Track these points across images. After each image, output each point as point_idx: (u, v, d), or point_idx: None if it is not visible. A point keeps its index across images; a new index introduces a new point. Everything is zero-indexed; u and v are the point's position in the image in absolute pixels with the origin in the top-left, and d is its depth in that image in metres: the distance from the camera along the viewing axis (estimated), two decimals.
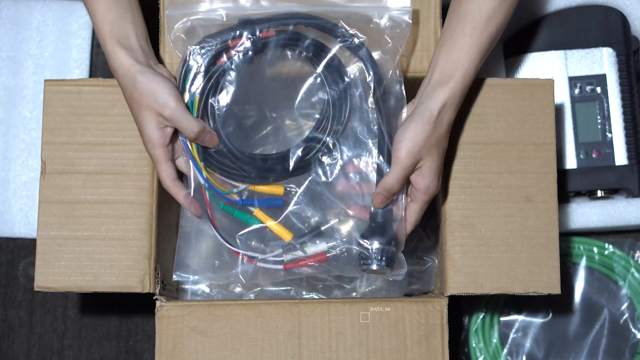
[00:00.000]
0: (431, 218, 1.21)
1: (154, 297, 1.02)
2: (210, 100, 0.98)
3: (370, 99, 0.99)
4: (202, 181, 0.98)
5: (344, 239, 0.98)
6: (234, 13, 0.99)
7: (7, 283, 1.36)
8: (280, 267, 0.99)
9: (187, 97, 0.97)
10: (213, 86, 0.98)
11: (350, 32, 0.98)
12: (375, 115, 0.98)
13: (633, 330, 1.31)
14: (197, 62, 0.98)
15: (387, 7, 1.00)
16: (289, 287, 1.26)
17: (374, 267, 0.95)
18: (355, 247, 0.98)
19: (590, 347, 1.31)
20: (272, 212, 1.00)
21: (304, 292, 1.26)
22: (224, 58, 0.98)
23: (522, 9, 1.33)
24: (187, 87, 0.97)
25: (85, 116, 1.04)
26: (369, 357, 1.01)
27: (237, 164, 0.98)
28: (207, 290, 1.27)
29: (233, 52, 0.98)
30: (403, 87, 1.00)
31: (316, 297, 1.25)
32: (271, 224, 0.99)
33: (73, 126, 1.04)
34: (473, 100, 1.05)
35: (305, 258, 0.98)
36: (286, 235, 0.98)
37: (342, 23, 0.99)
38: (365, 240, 0.97)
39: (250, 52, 0.98)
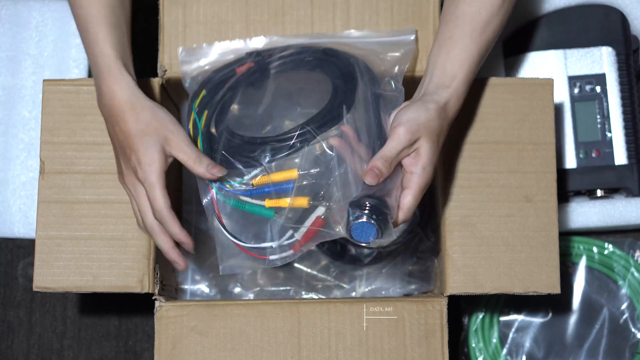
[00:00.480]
0: (431, 218, 1.21)
1: (153, 297, 1.02)
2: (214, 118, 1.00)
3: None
4: (213, 187, 0.97)
5: (336, 200, 0.93)
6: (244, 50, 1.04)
7: (6, 283, 1.36)
8: (290, 252, 0.95)
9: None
10: (219, 108, 1.00)
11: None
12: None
13: (633, 329, 1.31)
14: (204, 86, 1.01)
15: (392, 42, 1.03)
16: (288, 287, 1.26)
17: (364, 219, 0.88)
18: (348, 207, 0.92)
19: (590, 347, 1.31)
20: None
21: (303, 292, 1.26)
22: (230, 82, 1.01)
23: (522, 8, 1.32)
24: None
25: (84, 116, 1.04)
26: (369, 357, 1.01)
27: (249, 149, 0.96)
28: (207, 290, 1.27)
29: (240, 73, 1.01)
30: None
31: (316, 297, 1.25)
32: (286, 201, 0.95)
33: (72, 126, 1.04)
34: (473, 100, 1.05)
35: (306, 232, 0.93)
36: (304, 202, 0.94)
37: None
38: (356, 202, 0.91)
39: (256, 73, 1.01)
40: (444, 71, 0.95)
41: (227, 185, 0.96)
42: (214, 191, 0.96)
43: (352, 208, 0.89)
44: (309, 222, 0.93)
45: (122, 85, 0.93)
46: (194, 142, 0.96)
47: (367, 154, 0.93)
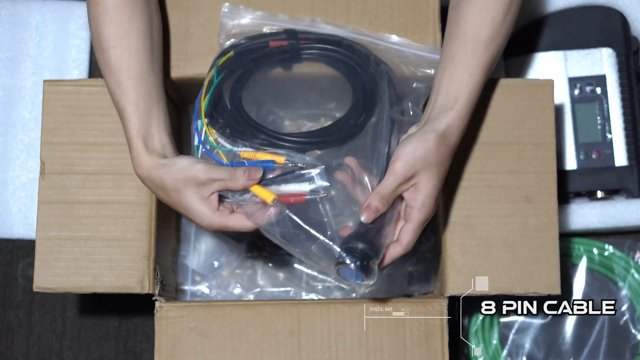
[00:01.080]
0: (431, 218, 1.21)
1: (153, 298, 1.02)
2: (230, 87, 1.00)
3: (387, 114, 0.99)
4: (197, 141, 0.97)
5: (325, 191, 0.93)
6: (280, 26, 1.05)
7: (5, 284, 1.36)
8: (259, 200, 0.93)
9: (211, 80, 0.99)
10: (239, 75, 1.00)
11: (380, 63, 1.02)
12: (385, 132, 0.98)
13: (633, 331, 1.31)
14: (235, 47, 1.02)
15: (428, 59, 1.04)
16: (288, 288, 1.26)
17: (352, 266, 0.89)
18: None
19: (591, 348, 1.31)
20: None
21: (303, 293, 1.25)
22: (259, 53, 1.02)
23: (522, 10, 1.32)
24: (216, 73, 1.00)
25: (84, 116, 1.04)
26: (369, 358, 1.01)
27: (250, 133, 0.96)
28: (207, 291, 1.27)
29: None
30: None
31: (316, 298, 1.25)
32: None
33: (72, 126, 1.04)
34: None
35: (285, 194, 0.92)
36: (268, 197, 0.92)
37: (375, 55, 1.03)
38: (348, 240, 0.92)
39: (286, 54, 1.02)
40: (447, 94, 0.95)
41: (215, 151, 0.96)
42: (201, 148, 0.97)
43: (342, 250, 0.90)
44: (292, 187, 0.93)
45: (139, 164, 0.95)
46: (204, 95, 0.97)
47: (371, 181, 0.95)
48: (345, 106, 1.01)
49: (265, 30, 1.05)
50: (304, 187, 0.92)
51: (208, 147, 0.96)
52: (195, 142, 0.97)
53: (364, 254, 0.89)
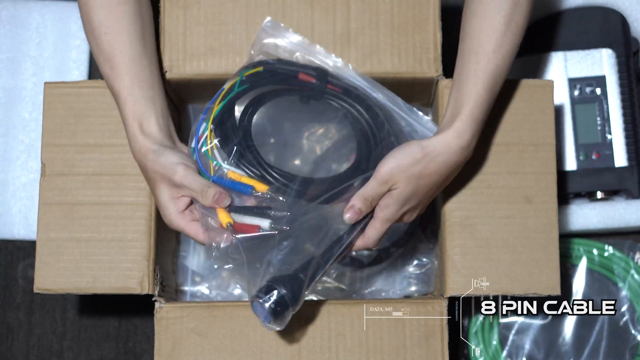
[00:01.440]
0: (431, 219, 1.21)
1: (153, 299, 1.02)
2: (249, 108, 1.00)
3: None
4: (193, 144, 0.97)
5: (279, 228, 0.94)
6: (309, 59, 1.05)
7: (6, 285, 1.36)
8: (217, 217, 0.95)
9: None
10: (259, 97, 1.01)
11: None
12: None
13: (633, 332, 1.31)
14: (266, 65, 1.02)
15: (420, 126, 1.04)
16: None
17: (263, 304, 0.90)
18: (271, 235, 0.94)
19: (590, 349, 1.31)
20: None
21: None
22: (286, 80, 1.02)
23: None
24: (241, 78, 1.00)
25: (84, 118, 1.04)
26: (369, 358, 1.01)
27: (250, 161, 0.96)
28: (207, 291, 1.27)
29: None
30: None
31: (315, 298, 1.25)
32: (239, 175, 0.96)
33: (73, 128, 1.04)
34: None
35: (241, 224, 0.94)
36: (224, 220, 0.93)
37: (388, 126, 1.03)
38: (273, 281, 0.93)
39: (310, 91, 1.02)
40: (453, 111, 0.96)
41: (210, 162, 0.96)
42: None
43: (265, 287, 0.91)
44: (251, 220, 0.94)
45: (133, 146, 0.97)
46: (220, 100, 0.98)
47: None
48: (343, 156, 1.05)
49: (297, 55, 1.05)
50: (263, 223, 0.93)
51: (201, 152, 0.96)
52: (192, 145, 0.97)
53: (282, 300, 0.91)
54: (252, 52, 1.04)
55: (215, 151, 0.96)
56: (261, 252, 0.94)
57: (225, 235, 0.92)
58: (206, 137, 0.97)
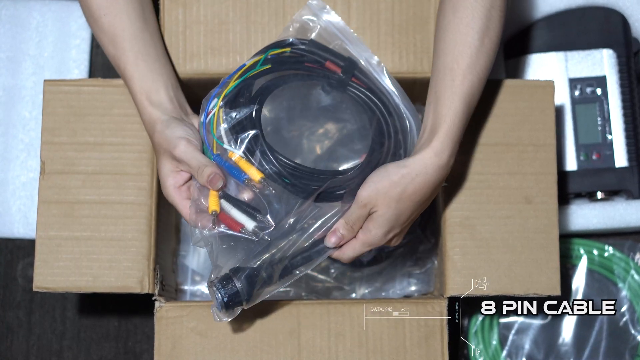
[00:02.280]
0: (431, 219, 1.21)
1: (153, 298, 1.02)
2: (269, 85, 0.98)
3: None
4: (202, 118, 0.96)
5: (258, 233, 0.93)
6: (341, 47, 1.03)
7: (5, 284, 1.36)
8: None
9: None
10: (280, 80, 0.98)
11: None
12: None
13: (633, 332, 1.31)
14: (294, 44, 1.00)
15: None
16: (288, 289, 1.26)
17: (217, 293, 0.91)
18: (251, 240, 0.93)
19: (590, 349, 1.31)
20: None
21: (303, 294, 1.25)
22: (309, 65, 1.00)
23: (523, 10, 1.32)
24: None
25: (84, 116, 1.04)
26: (369, 358, 1.01)
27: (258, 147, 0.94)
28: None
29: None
30: None
31: (315, 298, 1.25)
32: (237, 156, 0.94)
33: (72, 126, 1.04)
34: None
35: (228, 217, 0.93)
36: (212, 206, 0.93)
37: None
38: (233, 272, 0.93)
39: (334, 82, 1.00)
40: (430, 129, 0.95)
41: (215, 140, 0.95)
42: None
43: (223, 277, 0.92)
44: (237, 215, 0.93)
45: (145, 117, 0.97)
46: (237, 77, 0.96)
47: None
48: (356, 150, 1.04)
49: (336, 44, 1.03)
50: (248, 224, 0.93)
51: (209, 128, 0.96)
52: (202, 119, 0.96)
53: (236, 294, 0.91)
54: (290, 28, 1.02)
55: (222, 129, 0.95)
56: (236, 246, 0.93)
57: (208, 222, 0.92)
58: (214, 113, 0.95)
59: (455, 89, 0.95)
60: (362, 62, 1.02)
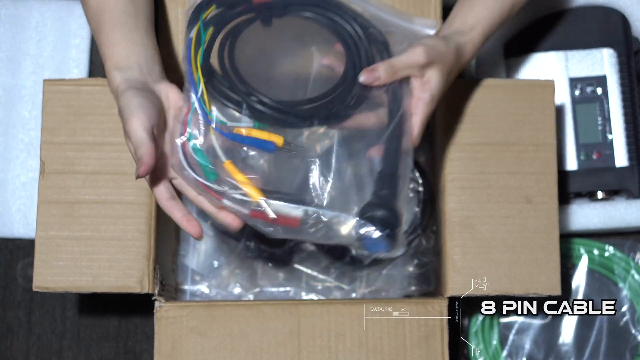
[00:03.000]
0: (431, 219, 1.21)
1: (153, 298, 1.02)
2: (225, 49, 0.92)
3: None
4: (194, 99, 0.87)
5: (325, 206, 0.87)
6: None
7: (5, 284, 1.36)
8: (247, 211, 0.86)
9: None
10: (225, 37, 0.92)
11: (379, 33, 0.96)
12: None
13: (633, 332, 1.31)
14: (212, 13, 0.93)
15: (414, 29, 0.99)
16: (288, 288, 1.26)
17: (375, 235, 0.85)
18: (334, 216, 0.86)
19: (591, 349, 1.31)
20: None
21: (303, 293, 1.25)
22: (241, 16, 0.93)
23: (523, 10, 1.32)
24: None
25: (84, 116, 1.04)
26: (369, 358, 1.01)
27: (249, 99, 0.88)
28: (207, 291, 1.26)
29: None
30: None
31: (315, 298, 1.25)
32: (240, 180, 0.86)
33: (72, 126, 1.04)
34: (473, 101, 1.05)
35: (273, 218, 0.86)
36: (255, 195, 0.85)
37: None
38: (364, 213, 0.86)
39: (271, 10, 0.93)
40: (464, 22, 0.97)
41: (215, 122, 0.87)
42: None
43: (362, 219, 0.86)
44: (278, 208, 0.86)
45: (111, 85, 0.92)
46: (193, 58, 0.89)
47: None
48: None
49: None
50: (297, 212, 0.86)
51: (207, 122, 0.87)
52: (188, 130, 0.87)
53: (389, 222, 0.86)
54: None
55: (215, 111, 0.88)
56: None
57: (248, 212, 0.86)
58: (204, 102, 0.87)
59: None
60: None
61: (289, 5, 0.95)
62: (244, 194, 0.85)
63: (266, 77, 0.94)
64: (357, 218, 0.87)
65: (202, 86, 0.88)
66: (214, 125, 0.87)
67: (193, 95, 0.88)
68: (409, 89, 0.92)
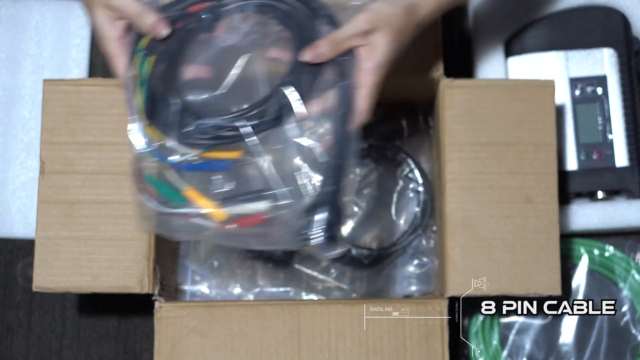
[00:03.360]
0: (431, 219, 1.21)
1: (153, 298, 1.02)
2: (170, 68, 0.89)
3: None
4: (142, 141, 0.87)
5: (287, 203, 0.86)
6: None
7: (5, 284, 1.36)
8: (215, 225, 0.87)
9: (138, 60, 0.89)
10: (168, 59, 0.89)
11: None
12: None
13: (634, 332, 1.31)
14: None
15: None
16: (288, 288, 1.26)
17: (319, 239, 0.84)
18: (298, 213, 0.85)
19: (591, 349, 1.31)
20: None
21: (303, 293, 1.25)
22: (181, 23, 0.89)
23: (523, 9, 1.32)
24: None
25: (84, 116, 1.04)
26: (369, 358, 1.01)
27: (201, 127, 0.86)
28: (207, 291, 1.26)
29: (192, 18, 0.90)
30: None
31: (315, 298, 1.25)
32: (202, 209, 0.86)
33: (72, 126, 1.04)
34: (473, 101, 1.05)
35: (241, 218, 0.85)
36: (220, 216, 0.86)
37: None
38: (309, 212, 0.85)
39: (209, 16, 0.90)
40: None
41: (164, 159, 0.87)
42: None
43: (305, 222, 0.85)
44: (245, 208, 0.86)
45: None
46: (136, 89, 0.87)
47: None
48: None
49: None
50: (260, 206, 0.85)
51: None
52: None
53: (328, 223, 0.84)
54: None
55: (168, 144, 0.86)
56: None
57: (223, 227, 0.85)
58: (150, 138, 0.87)
59: None
60: None
61: (225, 5, 0.90)
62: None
63: (215, 94, 0.91)
64: (302, 221, 0.85)
65: (149, 131, 0.87)
66: (168, 160, 0.87)
67: (145, 140, 0.87)
68: (355, 61, 0.87)
